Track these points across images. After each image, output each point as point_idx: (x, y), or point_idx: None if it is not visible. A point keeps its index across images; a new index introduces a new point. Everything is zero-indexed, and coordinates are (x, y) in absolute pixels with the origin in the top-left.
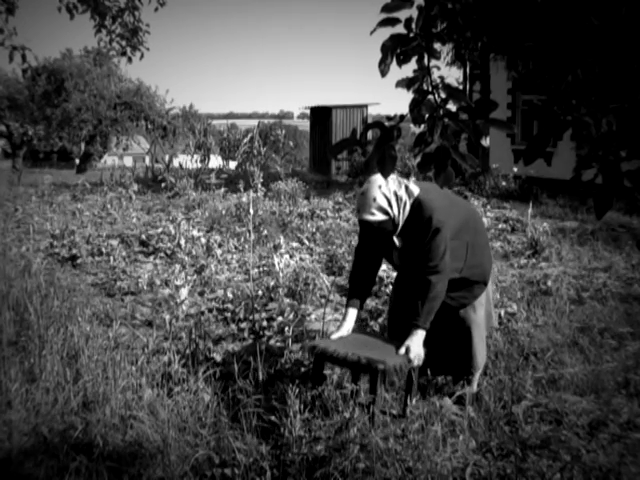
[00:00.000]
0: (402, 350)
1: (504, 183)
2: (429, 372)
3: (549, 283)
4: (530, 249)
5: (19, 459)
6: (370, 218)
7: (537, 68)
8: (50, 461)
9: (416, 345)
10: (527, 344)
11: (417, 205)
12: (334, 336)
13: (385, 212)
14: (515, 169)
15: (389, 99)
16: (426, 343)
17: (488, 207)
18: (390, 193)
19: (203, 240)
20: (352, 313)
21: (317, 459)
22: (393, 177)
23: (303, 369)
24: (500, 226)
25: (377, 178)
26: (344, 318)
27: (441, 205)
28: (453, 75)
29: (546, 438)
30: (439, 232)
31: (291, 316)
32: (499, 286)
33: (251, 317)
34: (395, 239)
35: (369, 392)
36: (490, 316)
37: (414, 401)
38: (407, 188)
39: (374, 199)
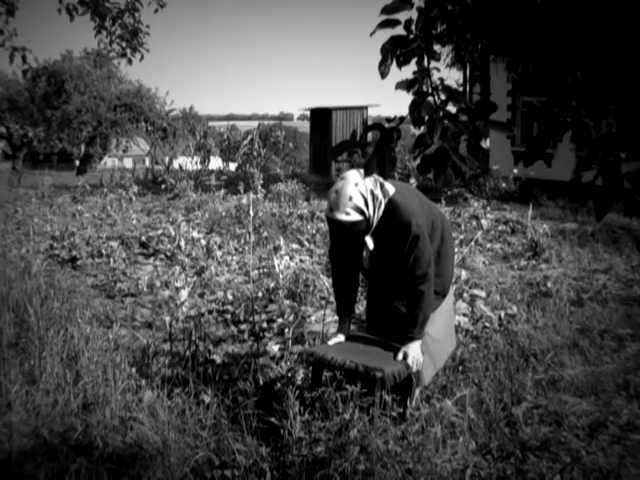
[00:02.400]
0: (400, 356)
1: (504, 185)
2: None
3: (549, 285)
4: (530, 251)
5: (19, 461)
6: (344, 218)
7: (537, 70)
8: (50, 463)
9: (414, 351)
10: (527, 346)
11: (393, 206)
12: (331, 342)
13: (361, 212)
14: (515, 170)
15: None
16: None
17: (488, 209)
18: (367, 192)
19: (203, 242)
20: (345, 320)
21: (317, 461)
22: None
23: (302, 371)
24: (500, 228)
25: (353, 175)
26: (339, 324)
27: (417, 208)
28: (453, 77)
29: (546, 440)
30: (419, 238)
31: (291, 318)
32: (499, 287)
33: (251, 319)
34: (367, 240)
35: (365, 395)
36: (451, 335)
37: (414, 403)
38: (382, 187)
39: (350, 198)
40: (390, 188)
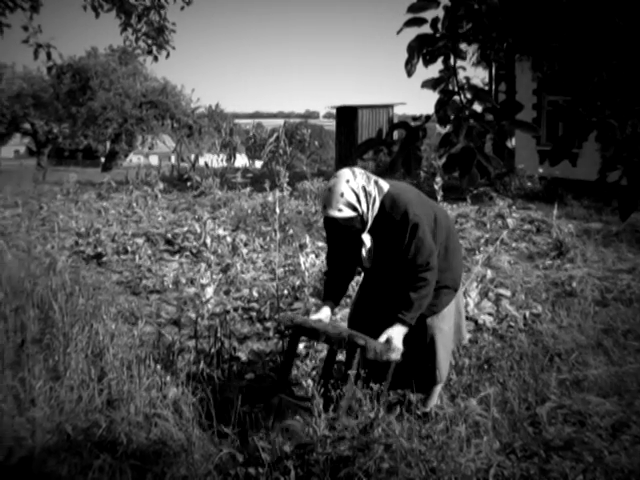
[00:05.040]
0: (383, 337)
1: (529, 184)
2: (377, 386)
3: (574, 284)
4: (555, 250)
5: (42, 457)
6: (337, 214)
7: (562, 69)
8: (73, 459)
9: (397, 338)
10: (552, 345)
11: (388, 200)
12: (313, 317)
13: (353, 208)
14: (540, 170)
15: (415, 99)
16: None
17: (513, 208)
18: (358, 188)
19: (229, 239)
20: (327, 306)
21: (341, 459)
22: (362, 172)
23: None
24: (525, 227)
25: (344, 172)
26: (318, 309)
27: (414, 199)
28: (478, 76)
29: (569, 439)
30: (418, 227)
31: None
32: (524, 287)
33: (276, 316)
34: (365, 237)
35: (344, 367)
36: (460, 330)
37: (436, 401)
38: (377, 183)
39: (341, 194)
40: (384, 185)
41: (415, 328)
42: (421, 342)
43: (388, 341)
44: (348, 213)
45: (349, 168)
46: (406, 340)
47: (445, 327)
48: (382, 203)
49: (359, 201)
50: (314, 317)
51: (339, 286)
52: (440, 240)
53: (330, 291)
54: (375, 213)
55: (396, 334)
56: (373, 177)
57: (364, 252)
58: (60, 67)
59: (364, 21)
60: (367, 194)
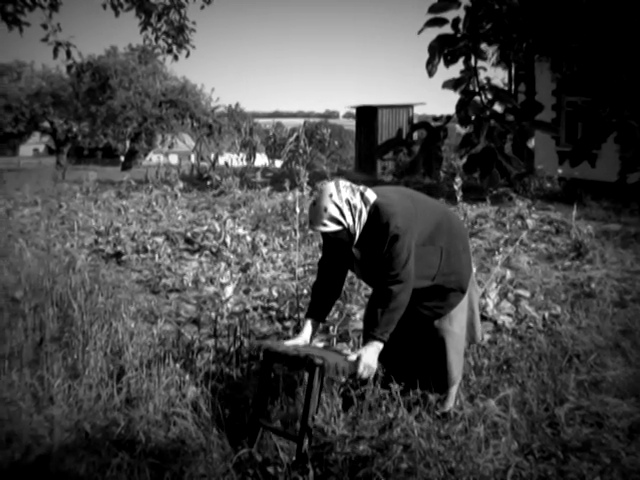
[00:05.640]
0: (352, 357)
1: (549, 185)
2: (397, 386)
3: (592, 285)
4: (574, 251)
5: (60, 455)
6: (322, 229)
7: (581, 70)
8: (91, 457)
9: (368, 356)
10: (570, 346)
11: (374, 212)
12: (288, 342)
13: (338, 222)
14: (560, 171)
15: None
16: (398, 355)
17: (533, 208)
18: (342, 202)
19: (248, 238)
20: (309, 324)
21: (360, 458)
22: (346, 184)
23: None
24: (545, 228)
25: (328, 187)
26: (301, 330)
27: (402, 210)
28: (498, 76)
29: (587, 441)
30: (397, 239)
31: (336, 315)
32: (543, 288)
33: (296, 316)
34: (354, 250)
35: (306, 390)
36: (473, 328)
37: (453, 402)
38: (362, 195)
39: (325, 209)
40: (371, 196)
41: (423, 331)
42: (430, 345)
43: (358, 359)
44: (333, 227)
45: (334, 181)
46: (415, 343)
47: (455, 329)
48: (369, 214)
49: (343, 215)
50: (290, 342)
51: (326, 300)
52: (440, 244)
53: (316, 305)
54: (363, 225)
55: (367, 352)
56: (359, 189)
57: (355, 264)
58: (80, 66)
59: (383, 21)
60: (352, 207)
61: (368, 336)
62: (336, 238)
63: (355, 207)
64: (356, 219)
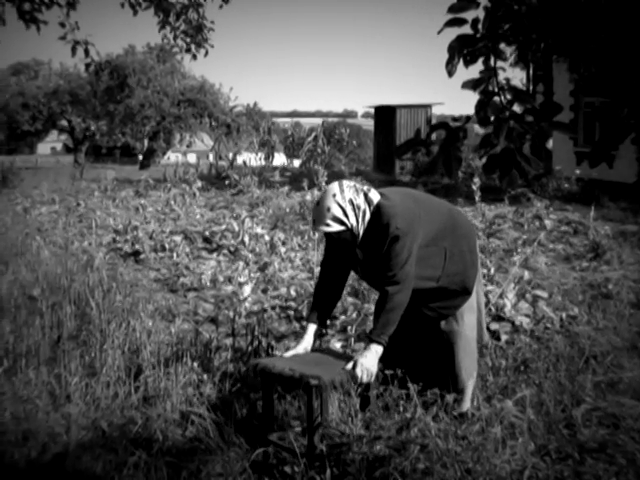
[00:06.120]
0: (349, 365)
1: (566, 185)
2: (414, 387)
3: (610, 287)
4: (591, 252)
5: (76, 453)
6: (325, 229)
7: (599, 71)
8: (108, 455)
9: (367, 360)
10: (587, 347)
11: (376, 212)
12: (288, 354)
13: (341, 222)
14: (577, 171)
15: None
16: (409, 356)
17: (550, 209)
18: (345, 202)
19: (267, 237)
20: (311, 329)
21: (377, 458)
22: (350, 185)
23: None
24: (562, 228)
25: (332, 187)
26: (303, 335)
27: (403, 211)
28: (516, 76)
29: (603, 442)
30: (397, 240)
31: (354, 315)
32: (561, 288)
33: None
34: (357, 251)
35: (306, 410)
36: (481, 328)
37: (468, 403)
38: (366, 196)
39: (328, 209)
40: (375, 196)
41: (430, 333)
42: (438, 347)
43: (354, 367)
44: (336, 227)
45: (338, 182)
46: (424, 344)
47: (464, 330)
48: (372, 214)
49: (346, 215)
50: (290, 353)
51: (327, 303)
52: (444, 245)
53: (317, 308)
54: (366, 225)
55: (365, 357)
56: (363, 189)
57: (358, 264)
58: (98, 64)
59: (402, 21)
60: (355, 207)
61: (368, 338)
62: (339, 239)
63: (359, 207)
64: (359, 219)
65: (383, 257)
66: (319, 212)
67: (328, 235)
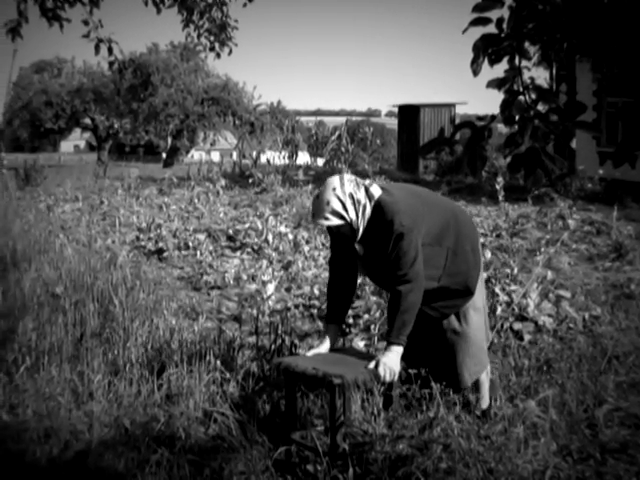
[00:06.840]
0: (371, 365)
1: (590, 185)
2: (436, 386)
3: (632, 287)
4: (614, 252)
5: (99, 451)
6: (324, 223)
7: (622, 71)
8: (130, 453)
9: (389, 359)
10: (610, 347)
11: (378, 208)
12: (310, 353)
13: (340, 216)
14: (600, 171)
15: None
16: (423, 354)
17: (574, 209)
18: (345, 196)
19: (290, 236)
20: (331, 328)
21: (399, 458)
22: (351, 179)
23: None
24: (585, 228)
25: (332, 181)
26: (324, 334)
27: (407, 208)
28: (540, 76)
29: (625, 442)
30: (403, 237)
31: (377, 314)
32: (584, 288)
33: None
34: (356, 246)
35: (329, 409)
36: (486, 327)
37: (484, 404)
38: (367, 190)
39: (327, 202)
40: (376, 191)
41: (433, 332)
42: (441, 346)
43: (377, 366)
44: (336, 221)
45: (338, 175)
46: (428, 343)
47: (467, 330)
48: (373, 210)
49: (346, 209)
50: (312, 352)
51: (342, 300)
52: (447, 244)
53: (333, 307)
54: (366, 220)
55: (387, 357)
56: (364, 183)
57: (358, 261)
58: (122, 62)
59: (425, 20)
60: (355, 202)
61: (386, 343)
62: (340, 233)
63: (359, 202)
64: (359, 214)
65: (390, 256)
66: (318, 205)
67: (330, 231)
